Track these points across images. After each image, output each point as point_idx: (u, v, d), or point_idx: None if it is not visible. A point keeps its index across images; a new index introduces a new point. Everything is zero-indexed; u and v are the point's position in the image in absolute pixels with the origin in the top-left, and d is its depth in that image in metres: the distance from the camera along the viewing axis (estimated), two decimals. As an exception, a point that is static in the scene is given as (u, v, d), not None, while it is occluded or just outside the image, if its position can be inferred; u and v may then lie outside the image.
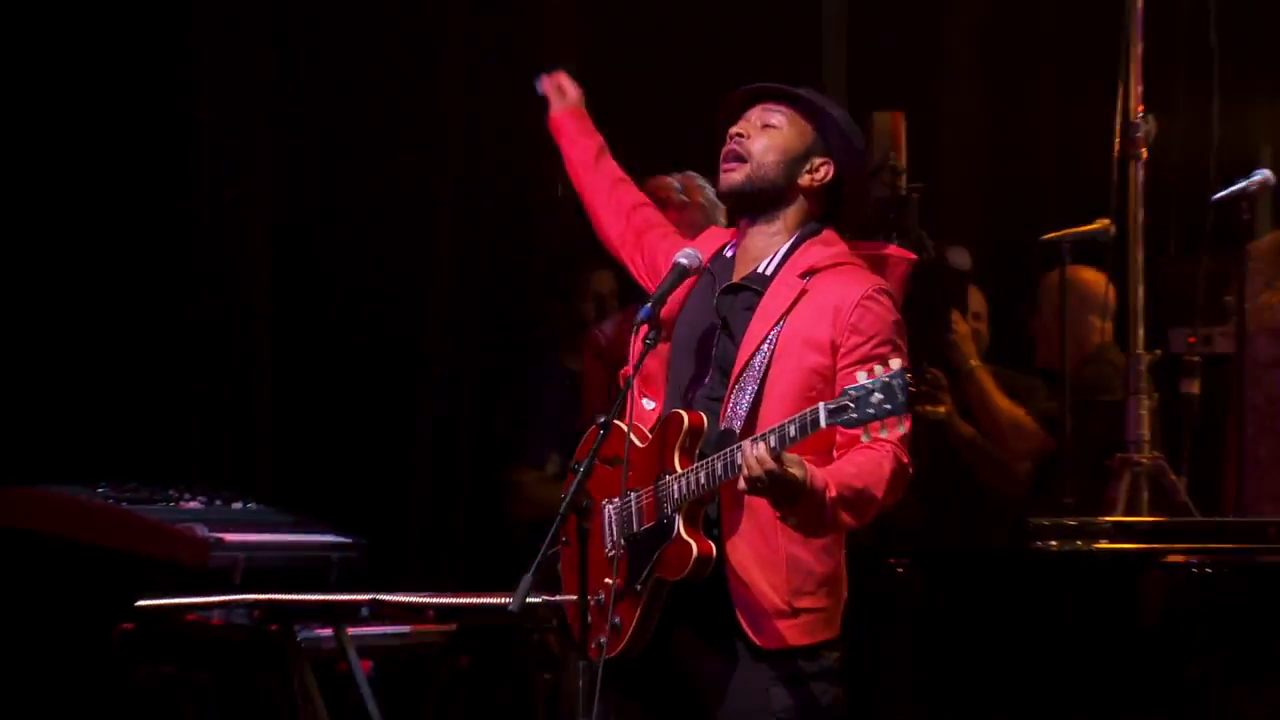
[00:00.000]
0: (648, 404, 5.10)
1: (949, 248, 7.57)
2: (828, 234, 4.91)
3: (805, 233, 4.89)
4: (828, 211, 4.96)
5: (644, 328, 4.85)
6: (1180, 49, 7.38)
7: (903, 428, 4.61)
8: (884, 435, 4.56)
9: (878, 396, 4.43)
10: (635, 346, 4.89)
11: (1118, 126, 6.85)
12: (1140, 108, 6.86)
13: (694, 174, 6.48)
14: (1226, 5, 7.41)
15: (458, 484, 8.14)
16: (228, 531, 6.12)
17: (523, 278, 8.81)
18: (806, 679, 4.79)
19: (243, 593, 6.08)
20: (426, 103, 8.64)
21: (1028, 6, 8.22)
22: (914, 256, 6.05)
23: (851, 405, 4.45)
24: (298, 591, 6.33)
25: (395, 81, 8.57)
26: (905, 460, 4.73)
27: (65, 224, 7.98)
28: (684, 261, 5.03)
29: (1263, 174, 6.82)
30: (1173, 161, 7.20)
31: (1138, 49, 6.81)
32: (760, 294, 4.83)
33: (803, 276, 4.80)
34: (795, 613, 4.77)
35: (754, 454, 4.47)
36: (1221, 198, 6.87)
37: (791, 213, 4.90)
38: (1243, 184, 6.83)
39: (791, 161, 4.90)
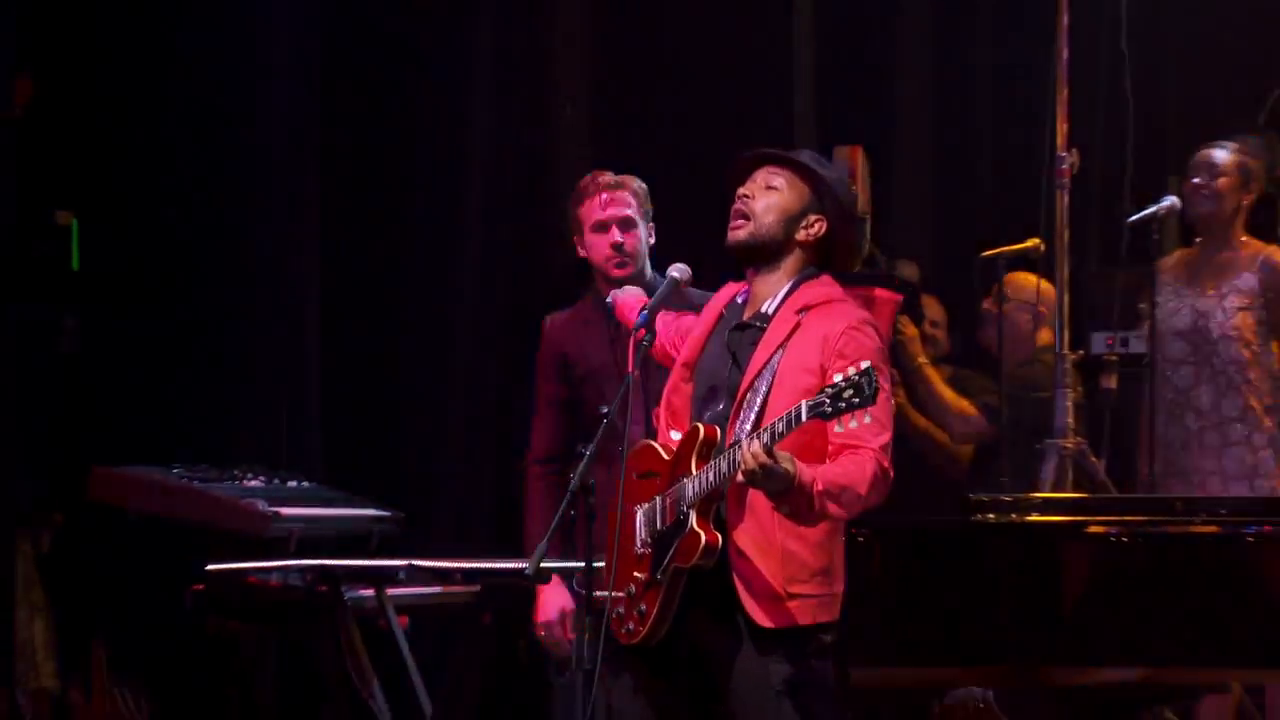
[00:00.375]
0: (675, 435, 5.12)
1: (899, 261, 7.44)
2: (824, 277, 4.95)
3: (802, 276, 4.92)
4: (823, 260, 4.99)
5: (641, 331, 4.98)
6: (1100, 92, 7.33)
7: (883, 436, 4.73)
8: (854, 426, 4.60)
9: (848, 392, 4.48)
10: (632, 347, 5.02)
11: (1047, 159, 6.73)
12: (1064, 143, 6.75)
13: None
14: (1138, 57, 7.24)
15: (482, 466, 8.04)
16: (284, 506, 6.17)
17: (542, 281, 8.45)
18: (803, 657, 4.81)
19: (297, 559, 6.12)
20: (455, 120, 8.53)
21: (969, 57, 8.13)
22: (900, 296, 6.44)
23: (826, 401, 4.50)
24: (344, 558, 6.38)
25: (429, 102, 8.46)
26: (886, 465, 4.76)
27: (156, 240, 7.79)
28: (675, 274, 5.17)
29: (1170, 200, 6.81)
30: (1093, 189, 7.16)
31: (1064, 93, 6.76)
32: (764, 330, 4.87)
33: (799, 313, 4.83)
34: (790, 597, 4.79)
35: (750, 449, 4.51)
36: (1135, 220, 6.87)
37: (790, 261, 4.92)
38: (1153, 209, 6.83)
39: (789, 219, 4.93)
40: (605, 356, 5.99)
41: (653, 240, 6.02)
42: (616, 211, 5.95)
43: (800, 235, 4.88)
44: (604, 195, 6.00)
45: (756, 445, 4.55)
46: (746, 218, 4.92)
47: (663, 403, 5.13)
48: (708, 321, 5.12)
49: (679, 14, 8.62)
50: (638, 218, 5.94)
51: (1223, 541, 5.86)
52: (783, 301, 4.89)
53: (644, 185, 6.07)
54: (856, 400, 4.52)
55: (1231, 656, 5.74)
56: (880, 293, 6.12)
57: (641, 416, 5.51)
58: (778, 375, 4.84)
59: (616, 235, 5.92)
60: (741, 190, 4.98)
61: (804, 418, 4.57)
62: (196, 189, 7.79)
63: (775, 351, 4.80)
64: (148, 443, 6.92)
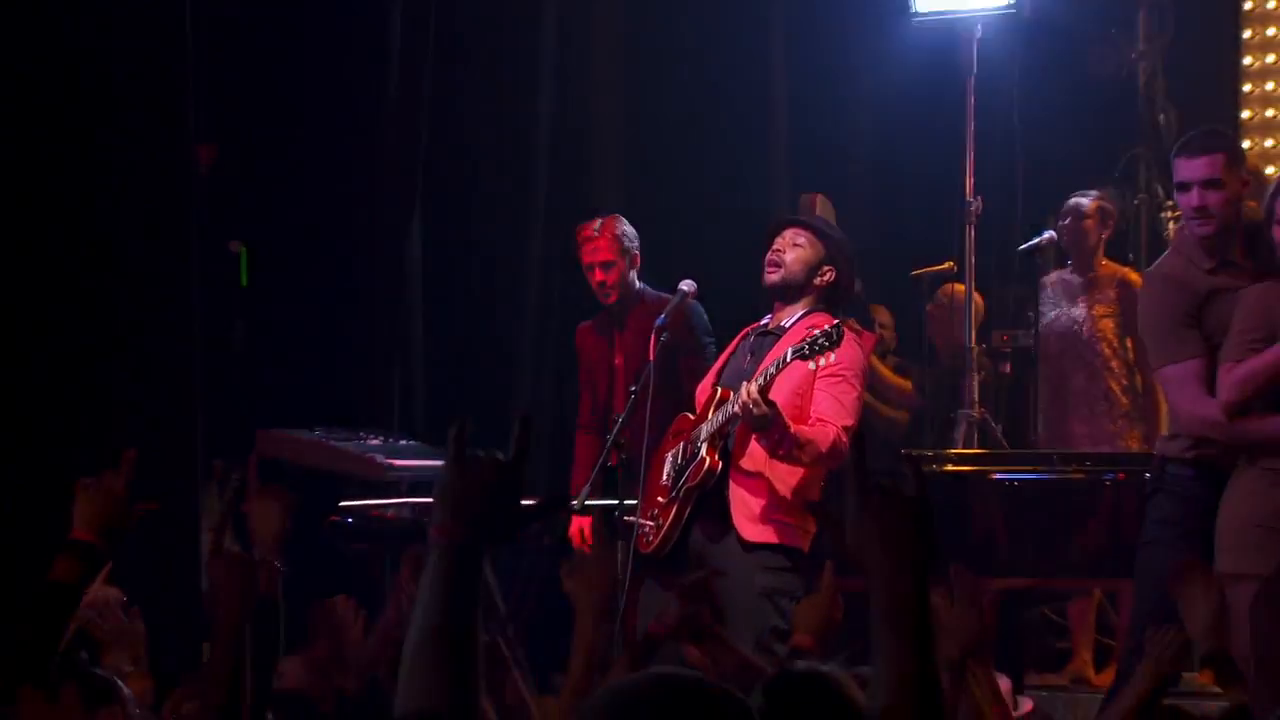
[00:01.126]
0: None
1: (872, 305, 6.81)
2: (825, 313, 4.91)
3: (813, 309, 4.90)
4: (828, 299, 4.97)
5: (661, 329, 5.08)
6: (998, 154, 7.10)
7: (847, 420, 4.69)
8: (827, 407, 4.71)
9: (821, 340, 4.52)
10: (654, 341, 5.08)
11: (959, 203, 6.67)
12: (971, 192, 6.67)
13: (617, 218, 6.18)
14: (1027, 129, 7.11)
15: (541, 429, 7.54)
16: (396, 459, 6.11)
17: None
18: (781, 570, 4.73)
19: (407, 498, 6.09)
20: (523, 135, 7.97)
21: (903, 128, 7.90)
22: (876, 337, 6.75)
23: (806, 345, 4.54)
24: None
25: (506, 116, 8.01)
26: (845, 441, 4.68)
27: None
28: (684, 288, 5.27)
29: (1048, 234, 6.70)
30: (992, 225, 7.00)
31: (970, 156, 6.65)
32: (780, 336, 4.84)
33: (807, 329, 4.80)
34: (772, 521, 4.74)
35: (748, 388, 4.53)
36: (1023, 249, 6.76)
37: (807, 299, 4.91)
38: (1036, 240, 6.70)
39: (810, 269, 4.91)
40: (603, 354, 5.99)
41: (635, 267, 5.91)
42: (596, 257, 5.86)
43: (817, 280, 4.87)
44: (588, 245, 5.88)
45: (754, 385, 4.54)
46: (779, 265, 4.90)
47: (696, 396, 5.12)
48: (732, 345, 5.14)
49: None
50: (615, 257, 5.83)
51: (1089, 485, 5.89)
52: (797, 320, 4.86)
53: (625, 228, 5.92)
54: (826, 344, 4.54)
55: (1093, 569, 5.85)
56: (866, 333, 6.02)
57: (662, 391, 5.40)
58: (785, 368, 4.80)
59: (599, 275, 5.84)
60: (775, 245, 4.95)
61: (789, 359, 4.58)
62: (323, 214, 7.49)
63: (786, 348, 4.79)
64: (298, 411, 6.80)
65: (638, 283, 5.87)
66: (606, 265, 5.79)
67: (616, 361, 5.88)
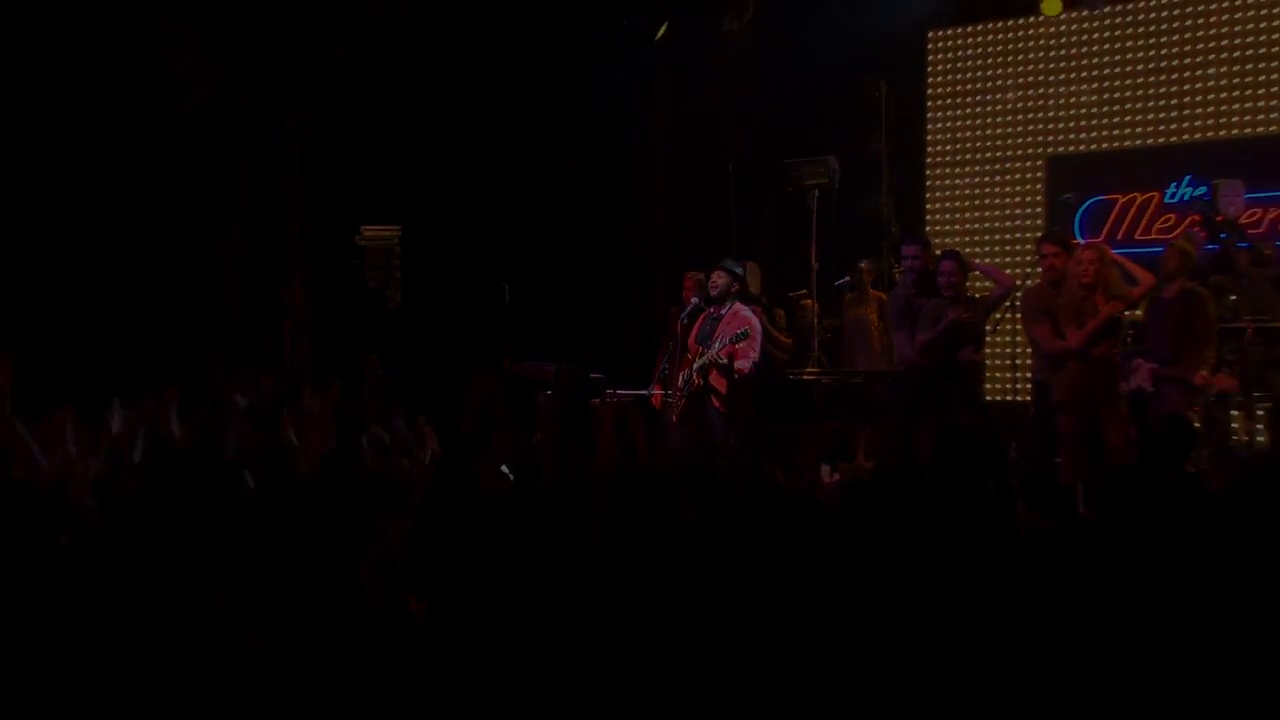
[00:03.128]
0: (694, 358, 7.48)
1: (716, 272, 8.55)
2: (741, 305, 7.46)
3: (733, 305, 7.58)
4: (740, 298, 7.58)
5: (684, 318, 7.88)
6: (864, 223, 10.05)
7: (754, 354, 7.14)
8: (741, 346, 7.20)
9: (741, 337, 7.28)
10: (677, 324, 8.01)
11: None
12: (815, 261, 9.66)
13: (726, 265, 8.16)
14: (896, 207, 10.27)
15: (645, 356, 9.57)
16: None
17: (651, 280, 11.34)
18: (731, 423, 7.05)
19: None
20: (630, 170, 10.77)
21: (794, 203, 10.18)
22: (760, 309, 8.47)
23: (730, 340, 7.14)
24: (592, 389, 9.07)
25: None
26: (755, 360, 7.35)
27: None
28: (695, 300, 8.22)
29: (865, 262, 9.58)
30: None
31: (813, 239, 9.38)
32: (720, 320, 7.53)
33: (733, 314, 7.41)
34: (724, 401, 7.37)
35: (711, 352, 7.43)
36: (839, 284, 9.74)
37: (729, 300, 7.60)
38: (844, 278, 9.62)
39: (729, 286, 7.70)
40: (677, 331, 8.19)
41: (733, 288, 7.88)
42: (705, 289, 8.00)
43: (732, 291, 7.66)
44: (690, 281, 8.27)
45: (714, 351, 7.28)
46: (716, 286, 7.66)
47: (690, 344, 7.63)
48: (699, 321, 7.52)
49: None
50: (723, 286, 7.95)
51: (863, 385, 8.67)
52: (727, 309, 7.57)
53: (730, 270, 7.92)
54: (742, 336, 7.18)
55: (860, 416, 8.22)
56: (756, 309, 8.52)
57: (690, 345, 7.95)
58: (721, 333, 7.51)
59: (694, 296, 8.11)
60: (711, 278, 7.68)
61: (727, 343, 7.12)
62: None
63: (723, 325, 7.42)
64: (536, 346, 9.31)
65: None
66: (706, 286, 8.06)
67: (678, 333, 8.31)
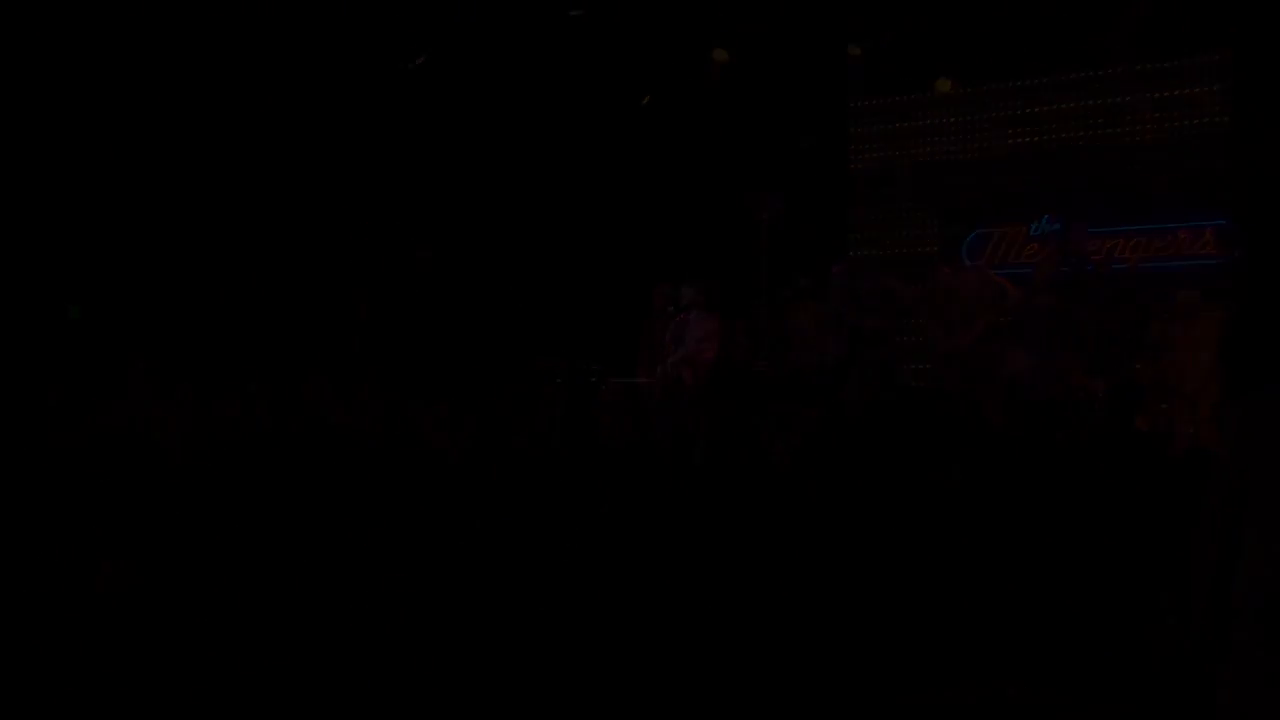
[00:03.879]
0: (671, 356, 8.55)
1: (684, 287, 10.03)
2: (704, 311, 8.49)
3: (700, 311, 8.64)
4: (705, 305, 8.61)
5: (670, 319, 8.97)
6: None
7: (711, 351, 8.22)
8: (703, 343, 8.25)
9: (705, 338, 8.87)
10: (660, 324, 9.43)
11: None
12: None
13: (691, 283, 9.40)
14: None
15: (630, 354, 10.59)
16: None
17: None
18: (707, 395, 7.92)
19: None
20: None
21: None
22: (718, 315, 9.57)
23: (696, 339, 8.37)
24: (601, 377, 9.98)
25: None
26: (710, 359, 8.32)
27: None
28: (670, 309, 9.62)
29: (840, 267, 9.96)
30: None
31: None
32: (687, 323, 8.61)
33: (698, 319, 8.33)
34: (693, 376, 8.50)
35: (684, 352, 8.67)
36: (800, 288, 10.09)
37: (695, 308, 8.73)
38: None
39: (694, 297, 8.96)
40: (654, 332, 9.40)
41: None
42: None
43: (700, 302, 9.09)
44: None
45: (684, 351, 8.54)
46: (685, 297, 8.99)
47: (666, 343, 8.81)
48: (673, 322, 8.40)
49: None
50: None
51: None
52: (694, 314, 8.69)
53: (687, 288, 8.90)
54: (706, 336, 8.73)
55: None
56: (716, 315, 9.93)
57: (668, 346, 9.45)
58: (690, 334, 8.78)
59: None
60: (681, 291, 8.80)
61: (694, 342, 8.24)
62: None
63: (689, 328, 8.59)
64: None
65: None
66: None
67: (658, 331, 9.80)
